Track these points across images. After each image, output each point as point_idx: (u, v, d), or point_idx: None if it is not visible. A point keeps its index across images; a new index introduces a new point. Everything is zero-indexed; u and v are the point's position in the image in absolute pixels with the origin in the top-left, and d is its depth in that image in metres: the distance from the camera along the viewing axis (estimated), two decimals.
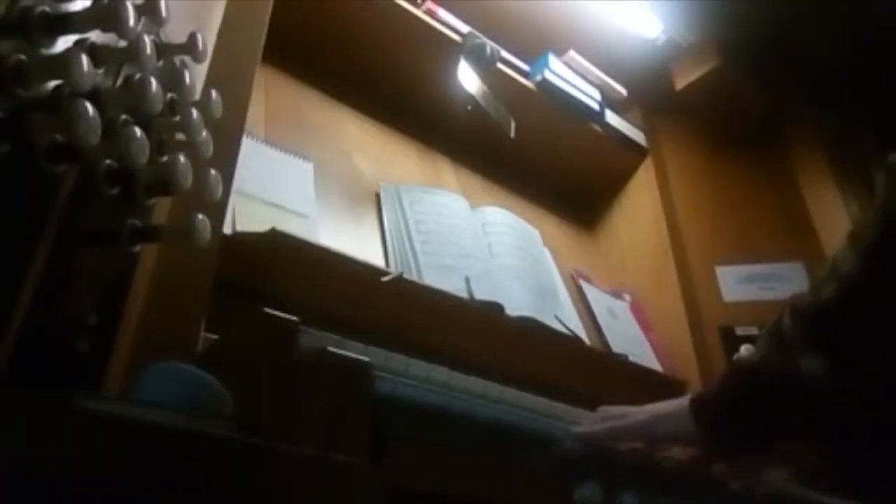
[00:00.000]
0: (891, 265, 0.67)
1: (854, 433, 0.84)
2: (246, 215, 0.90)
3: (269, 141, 1.06)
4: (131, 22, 0.46)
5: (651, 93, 1.67)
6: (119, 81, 0.53)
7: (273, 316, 0.63)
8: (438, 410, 0.66)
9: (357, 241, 1.09)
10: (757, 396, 0.74)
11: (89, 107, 0.42)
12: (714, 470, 0.85)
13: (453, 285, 1.08)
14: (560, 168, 1.59)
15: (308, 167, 1.08)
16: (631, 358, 1.26)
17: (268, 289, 0.82)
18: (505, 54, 1.41)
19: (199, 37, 0.58)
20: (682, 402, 0.79)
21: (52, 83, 0.44)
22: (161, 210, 0.62)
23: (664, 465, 0.81)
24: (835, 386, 0.69)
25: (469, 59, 1.33)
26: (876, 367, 0.68)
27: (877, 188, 0.69)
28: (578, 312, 1.32)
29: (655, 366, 1.32)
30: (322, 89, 1.26)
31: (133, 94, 0.48)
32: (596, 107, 1.54)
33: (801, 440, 0.83)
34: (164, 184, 0.54)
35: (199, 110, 0.57)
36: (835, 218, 1.42)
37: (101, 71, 0.49)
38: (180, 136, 0.58)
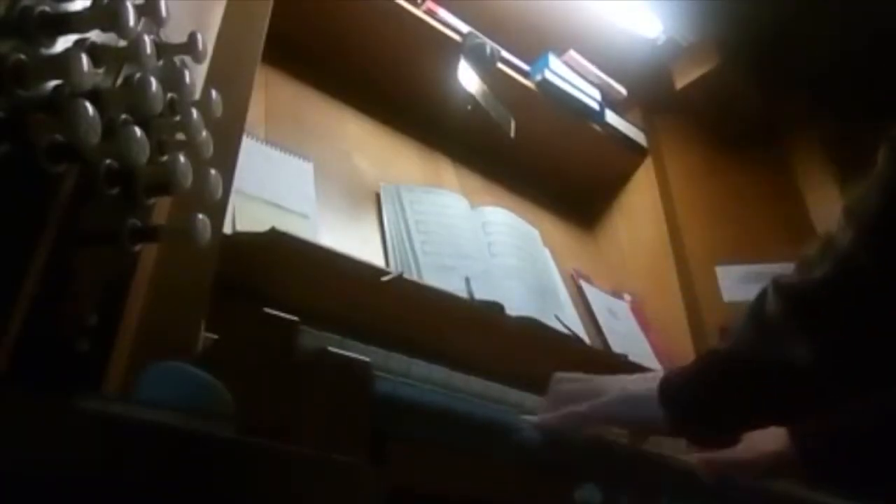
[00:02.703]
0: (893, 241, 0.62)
1: (839, 419, 0.83)
2: (246, 215, 0.90)
3: (269, 141, 1.06)
4: (131, 22, 0.46)
5: (651, 93, 1.66)
6: (119, 81, 0.53)
7: (273, 316, 0.63)
8: (438, 410, 0.66)
9: (357, 241, 1.09)
10: (732, 385, 0.70)
11: (89, 107, 0.42)
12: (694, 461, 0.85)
13: (453, 285, 1.08)
14: (560, 168, 1.59)
15: (308, 167, 1.08)
16: (631, 358, 1.26)
17: (268, 289, 0.82)
18: (505, 54, 1.41)
19: (199, 37, 0.58)
20: (651, 387, 0.74)
21: (52, 83, 0.44)
22: (161, 210, 0.62)
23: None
24: (821, 371, 0.64)
25: (469, 58, 1.33)
26: (869, 350, 0.64)
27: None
28: (578, 312, 1.32)
29: (655, 366, 1.32)
30: (322, 89, 1.26)
31: (133, 94, 0.48)
32: (596, 107, 1.54)
33: (777, 425, 0.81)
34: (164, 184, 0.54)
35: (199, 110, 0.57)
36: (835, 217, 1.42)
37: (101, 71, 0.49)
38: (180, 136, 0.58)
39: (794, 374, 0.65)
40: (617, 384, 0.78)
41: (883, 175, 0.63)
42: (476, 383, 0.87)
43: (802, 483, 0.91)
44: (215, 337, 0.69)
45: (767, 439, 0.86)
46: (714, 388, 0.70)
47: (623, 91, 1.60)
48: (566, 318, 1.22)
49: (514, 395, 0.94)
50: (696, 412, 0.72)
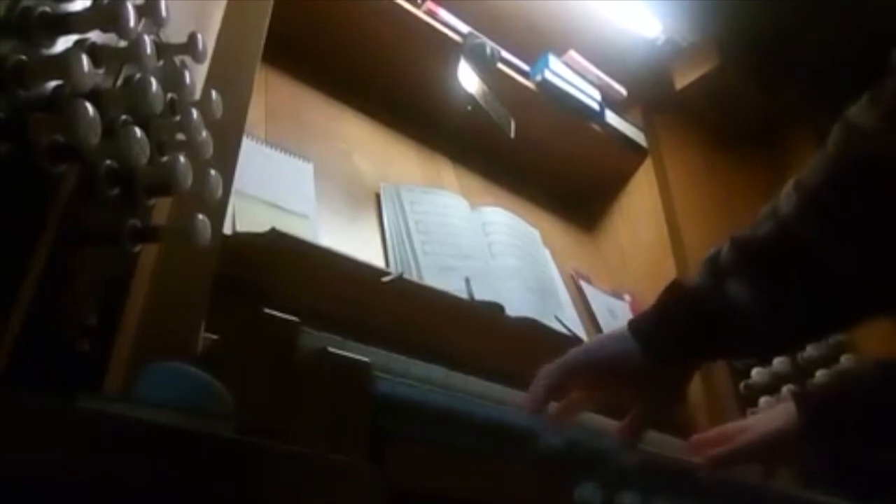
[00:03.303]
0: (830, 218, 0.69)
1: (844, 386, 0.93)
2: (246, 215, 0.90)
3: (269, 141, 1.06)
4: (131, 22, 0.46)
5: (651, 93, 1.66)
6: (119, 81, 0.53)
7: (273, 316, 0.63)
8: (438, 410, 0.66)
9: (357, 242, 1.09)
10: (691, 317, 0.78)
11: (89, 107, 0.42)
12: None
13: (453, 285, 1.08)
14: (560, 168, 1.59)
15: (308, 167, 1.08)
16: None
17: (268, 289, 0.82)
18: (505, 54, 1.41)
19: (199, 37, 0.58)
20: (620, 327, 0.83)
21: (52, 83, 0.44)
22: (161, 210, 0.62)
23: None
24: (757, 314, 0.73)
25: (469, 59, 1.33)
26: (796, 302, 0.73)
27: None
28: (578, 312, 1.32)
29: None
30: (322, 89, 1.26)
31: (133, 94, 0.48)
32: (596, 107, 1.54)
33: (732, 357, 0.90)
34: (164, 184, 0.54)
35: (199, 110, 0.57)
36: None
37: (101, 71, 0.49)
38: (180, 136, 0.58)
39: (736, 313, 0.74)
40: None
41: (828, 153, 0.70)
42: (476, 383, 0.87)
43: (804, 452, 0.92)
44: (215, 337, 0.69)
45: (771, 417, 0.90)
46: (677, 322, 0.79)
47: (623, 91, 1.60)
48: (566, 319, 1.22)
49: (514, 394, 0.94)
50: (665, 338, 0.79)
